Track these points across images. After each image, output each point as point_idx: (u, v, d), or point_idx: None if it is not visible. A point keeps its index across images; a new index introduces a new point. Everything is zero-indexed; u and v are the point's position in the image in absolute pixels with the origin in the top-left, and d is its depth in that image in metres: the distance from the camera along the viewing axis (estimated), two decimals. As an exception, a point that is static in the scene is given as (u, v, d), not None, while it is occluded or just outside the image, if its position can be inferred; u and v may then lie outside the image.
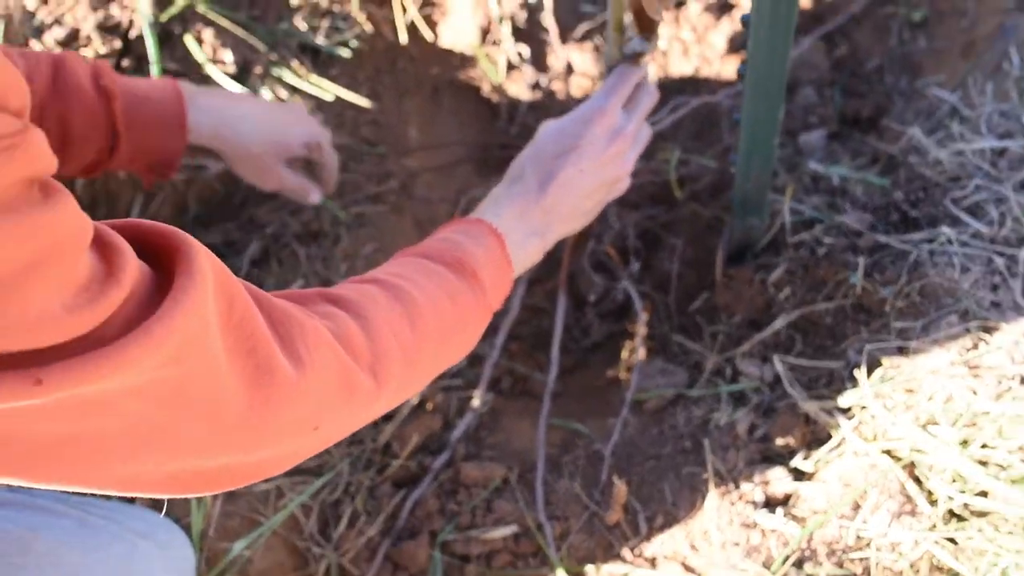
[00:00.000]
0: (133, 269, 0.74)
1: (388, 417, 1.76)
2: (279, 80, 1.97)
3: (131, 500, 1.45)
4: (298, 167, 1.77)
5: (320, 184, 1.80)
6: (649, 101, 1.40)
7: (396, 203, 2.07)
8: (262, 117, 1.67)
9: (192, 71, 1.94)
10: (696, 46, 2.34)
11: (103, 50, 1.89)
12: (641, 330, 1.90)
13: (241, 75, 1.94)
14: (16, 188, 0.64)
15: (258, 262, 1.92)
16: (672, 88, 2.27)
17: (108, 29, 1.92)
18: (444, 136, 2.24)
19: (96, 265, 0.71)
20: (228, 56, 1.94)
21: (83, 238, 0.70)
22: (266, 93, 1.94)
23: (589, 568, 1.59)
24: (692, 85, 2.29)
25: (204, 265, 0.79)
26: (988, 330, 1.52)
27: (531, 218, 1.27)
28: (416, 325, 1.06)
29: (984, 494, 1.43)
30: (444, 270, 1.13)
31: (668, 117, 2.13)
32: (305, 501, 1.63)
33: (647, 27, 1.35)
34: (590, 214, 1.37)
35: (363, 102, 2.06)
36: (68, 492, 0.85)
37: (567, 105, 2.25)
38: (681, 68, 2.33)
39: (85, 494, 1.02)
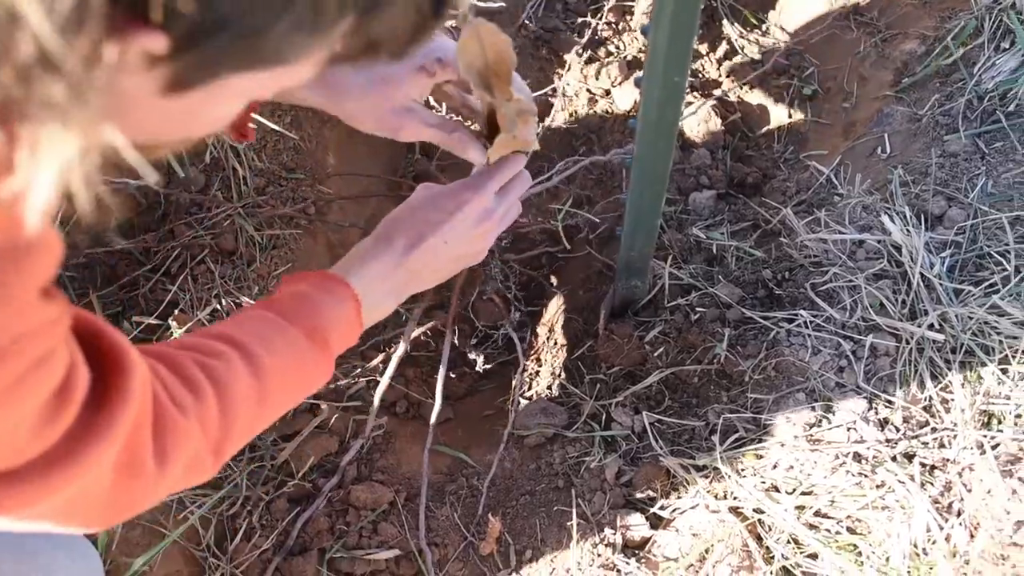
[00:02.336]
0: (83, 384, 0.81)
1: (288, 436, 1.88)
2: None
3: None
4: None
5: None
6: (521, 187, 1.46)
7: (310, 227, 2.16)
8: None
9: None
10: (603, 100, 2.46)
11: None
12: (522, 373, 2.03)
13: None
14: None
15: (174, 276, 2.00)
16: (577, 134, 2.40)
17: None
18: (359, 165, 2.34)
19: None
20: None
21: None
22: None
23: (462, 596, 1.73)
24: (597, 135, 2.43)
25: (136, 385, 0.87)
26: (830, 409, 1.68)
27: (391, 279, 1.34)
28: (264, 400, 1.14)
29: (814, 556, 1.61)
30: (299, 335, 1.20)
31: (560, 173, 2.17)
32: (204, 514, 1.75)
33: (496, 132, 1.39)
34: (445, 278, 1.46)
35: (285, 130, 2.14)
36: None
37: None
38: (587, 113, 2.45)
39: None
